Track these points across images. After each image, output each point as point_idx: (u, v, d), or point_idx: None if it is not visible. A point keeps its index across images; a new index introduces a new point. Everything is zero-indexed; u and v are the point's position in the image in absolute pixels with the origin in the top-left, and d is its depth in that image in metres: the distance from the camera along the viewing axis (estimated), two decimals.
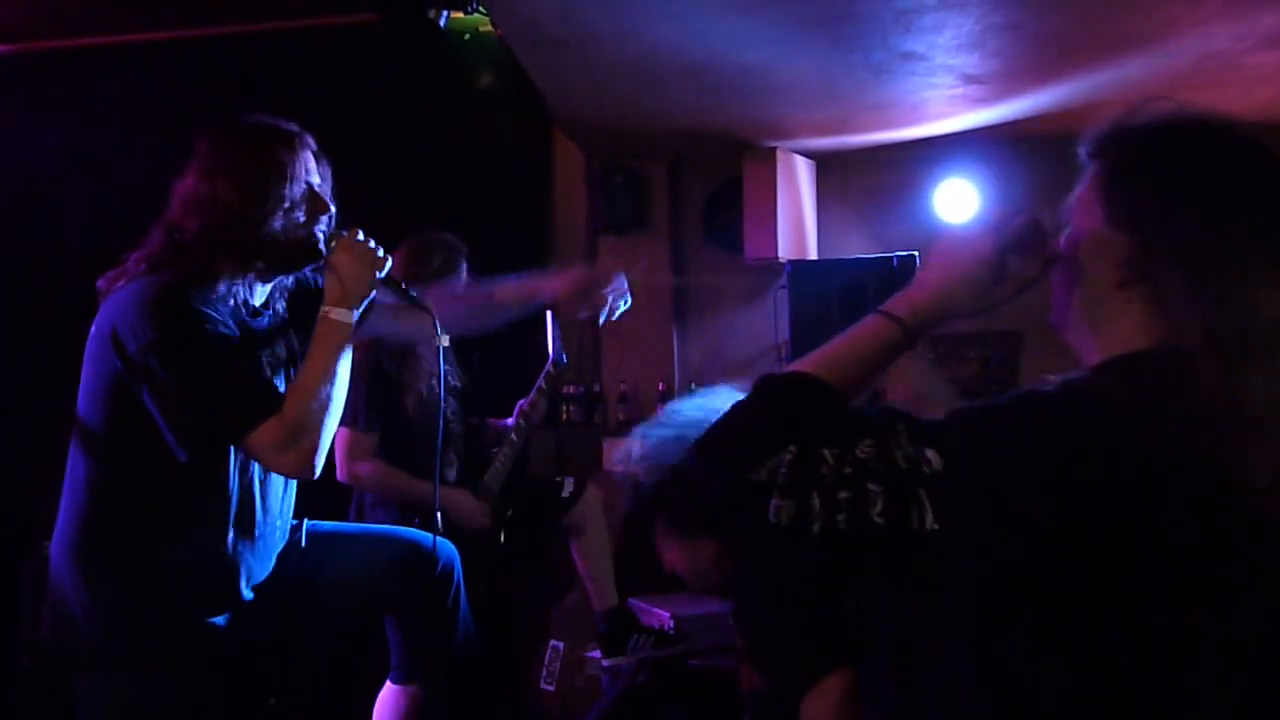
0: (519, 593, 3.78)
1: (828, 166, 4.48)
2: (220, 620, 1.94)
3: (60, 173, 3.72)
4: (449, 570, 2.30)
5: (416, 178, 4.13)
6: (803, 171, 4.38)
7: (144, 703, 1.89)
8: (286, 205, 1.88)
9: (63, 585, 1.90)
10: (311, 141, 1.99)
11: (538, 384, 3.34)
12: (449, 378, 3.22)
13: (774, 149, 4.21)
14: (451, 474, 3.20)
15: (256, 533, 1.98)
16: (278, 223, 1.88)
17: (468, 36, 3.94)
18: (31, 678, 3.47)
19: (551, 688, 3.54)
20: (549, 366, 3.33)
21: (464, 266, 3.29)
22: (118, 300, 1.85)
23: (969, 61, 3.23)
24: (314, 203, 1.94)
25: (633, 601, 3.49)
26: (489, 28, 3.65)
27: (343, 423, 2.99)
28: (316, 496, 2.27)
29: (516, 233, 4.35)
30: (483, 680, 2.63)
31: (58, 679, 1.97)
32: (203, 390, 1.80)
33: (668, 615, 3.35)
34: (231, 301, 1.90)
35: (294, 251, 1.93)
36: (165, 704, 1.89)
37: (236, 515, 1.94)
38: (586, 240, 4.60)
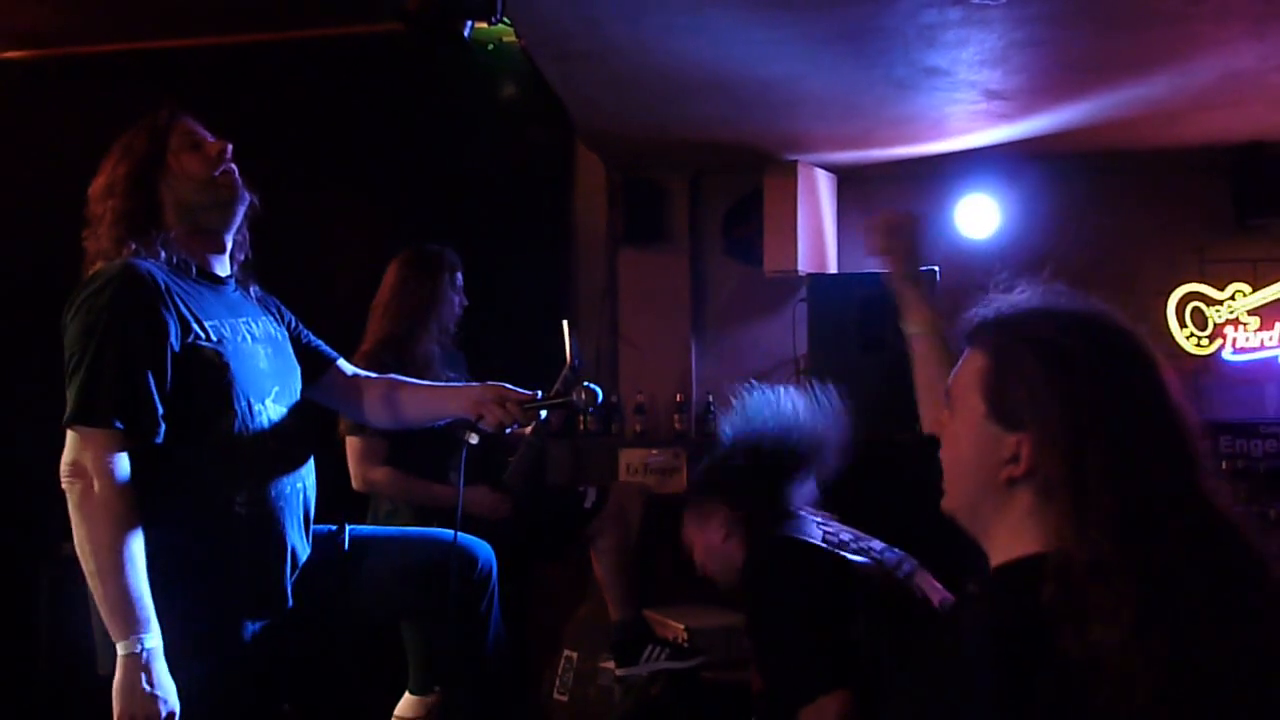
0: (533, 601, 3.78)
1: (849, 180, 4.48)
2: (265, 607, 1.96)
3: (84, 178, 3.76)
4: (486, 574, 2.31)
5: (437, 187, 4.15)
6: (824, 185, 4.37)
7: (191, 701, 1.88)
8: (154, 164, 1.99)
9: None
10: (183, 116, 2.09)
11: (555, 388, 3.36)
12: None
13: (795, 162, 4.21)
14: (457, 479, 3.21)
15: (277, 491, 1.98)
16: (165, 183, 1.99)
17: (491, 47, 3.96)
18: (49, 677, 3.50)
19: (564, 698, 3.54)
20: (566, 371, 3.37)
21: (459, 279, 3.30)
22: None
23: (992, 77, 3.23)
24: (198, 149, 2.03)
25: (648, 612, 3.49)
26: (512, 38, 3.67)
27: (352, 431, 3.04)
28: (329, 509, 2.27)
29: (537, 243, 4.37)
30: (502, 688, 2.63)
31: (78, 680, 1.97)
32: (80, 359, 1.82)
33: (682, 627, 3.35)
34: (192, 270, 1.99)
35: (202, 201, 2.01)
36: (210, 704, 1.89)
37: (252, 475, 1.95)
38: (606, 251, 4.61)
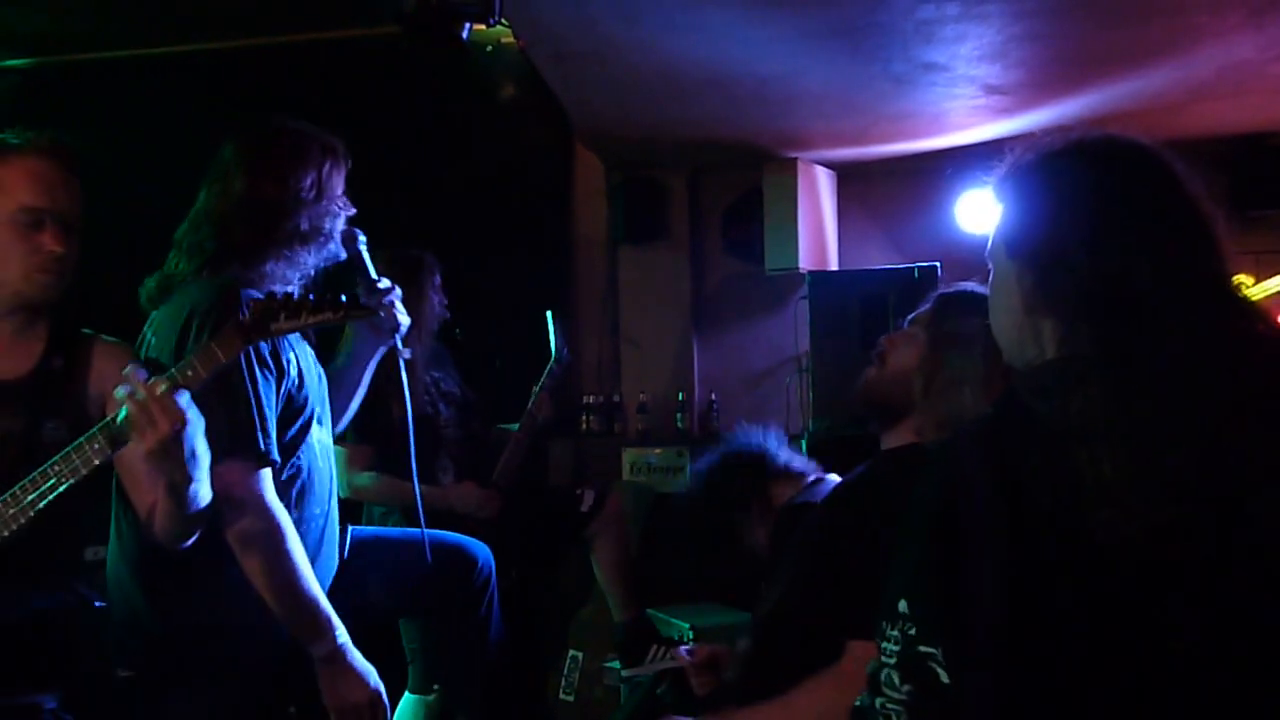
0: (538, 602, 3.78)
1: (849, 177, 4.47)
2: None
3: (88, 184, 3.77)
4: (485, 576, 2.35)
5: (437, 189, 4.15)
6: (823, 182, 4.37)
7: (213, 710, 1.92)
8: (311, 200, 2.00)
9: (127, 598, 1.94)
10: (339, 149, 2.11)
11: (542, 381, 3.39)
12: (442, 384, 3.25)
13: (794, 159, 4.21)
14: (446, 479, 3.21)
15: (313, 513, 2.04)
16: (305, 216, 1.99)
17: (489, 48, 3.95)
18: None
19: (570, 698, 3.54)
20: (552, 363, 3.40)
21: (437, 281, 3.28)
22: (187, 295, 1.91)
23: (991, 72, 3.22)
24: (333, 203, 2.07)
25: (652, 612, 3.49)
26: (511, 40, 3.67)
27: (336, 439, 3.06)
28: None
29: (537, 243, 4.37)
30: (503, 689, 2.63)
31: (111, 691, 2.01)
32: (227, 400, 1.81)
33: (688, 626, 3.35)
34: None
35: (324, 242, 2.04)
36: (232, 710, 1.93)
37: (296, 497, 1.99)
38: (606, 251, 4.61)
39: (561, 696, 3.55)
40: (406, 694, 2.97)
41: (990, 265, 1.31)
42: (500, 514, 3.19)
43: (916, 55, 3.06)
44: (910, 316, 1.97)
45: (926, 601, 1.10)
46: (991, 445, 1.13)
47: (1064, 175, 1.22)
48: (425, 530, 2.38)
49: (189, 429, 1.61)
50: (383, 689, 1.91)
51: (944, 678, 1.07)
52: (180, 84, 4.06)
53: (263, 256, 1.95)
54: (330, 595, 2.13)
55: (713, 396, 4.50)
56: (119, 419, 1.64)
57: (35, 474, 1.69)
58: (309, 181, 2.00)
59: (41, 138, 1.87)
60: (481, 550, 2.35)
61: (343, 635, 1.88)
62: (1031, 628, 1.05)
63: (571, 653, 3.58)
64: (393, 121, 4.15)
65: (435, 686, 2.89)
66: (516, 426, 3.39)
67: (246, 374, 1.83)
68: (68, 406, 1.82)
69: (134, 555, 1.92)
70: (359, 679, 1.87)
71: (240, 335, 1.68)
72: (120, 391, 1.60)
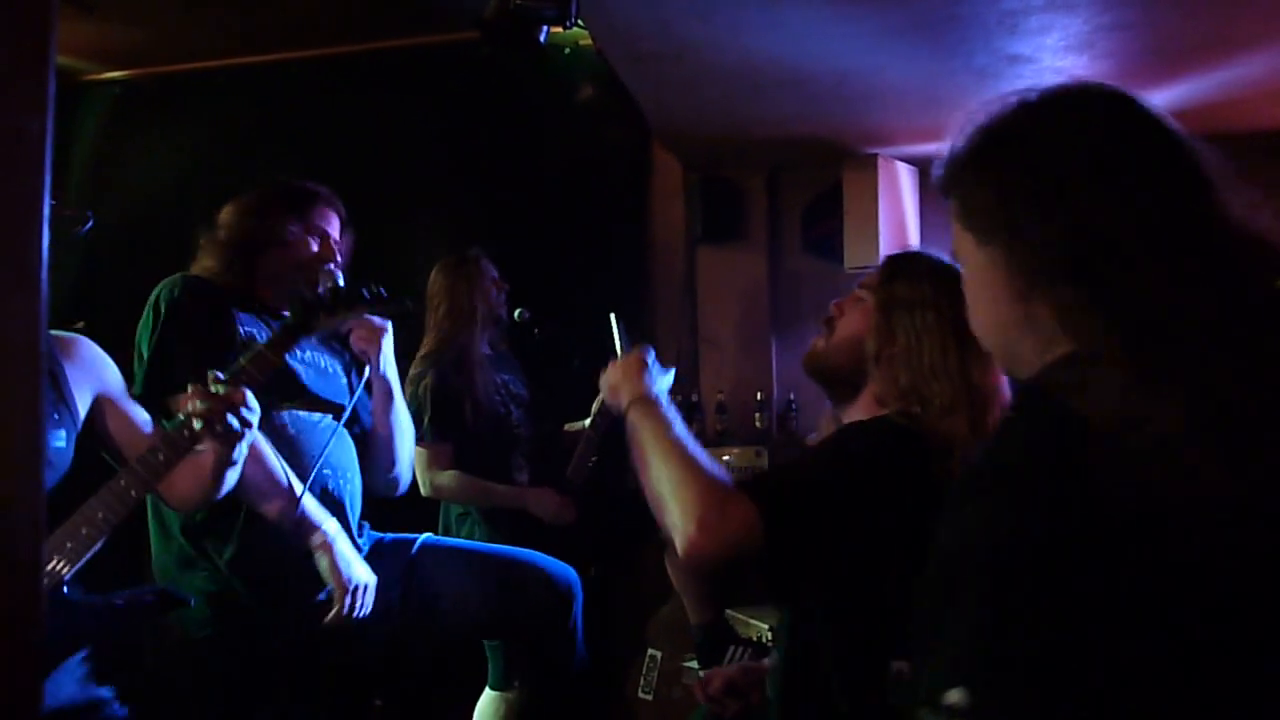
0: (616, 601, 3.80)
1: (930, 173, 4.40)
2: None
3: (180, 192, 3.90)
4: (571, 596, 2.47)
5: (517, 191, 4.20)
6: (904, 178, 4.31)
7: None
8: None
9: (171, 577, 2.16)
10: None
11: None
12: (511, 386, 3.30)
13: (875, 156, 4.16)
14: (522, 478, 3.26)
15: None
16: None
17: (567, 51, 3.99)
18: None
19: (649, 697, 3.54)
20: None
21: (494, 272, 3.34)
22: None
23: (1078, 64, 3.14)
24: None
25: (730, 612, 3.48)
26: (588, 42, 3.69)
27: (415, 440, 3.15)
28: (399, 514, 2.41)
29: (616, 244, 4.38)
30: (581, 688, 2.66)
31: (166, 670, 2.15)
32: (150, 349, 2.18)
33: (766, 627, 3.33)
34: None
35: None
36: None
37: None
38: (685, 251, 4.61)
39: (640, 695, 3.55)
40: (486, 689, 3.01)
41: (961, 267, 1.22)
42: (576, 513, 3.23)
43: (1000, 48, 3.00)
44: (858, 281, 1.89)
45: (1005, 684, 0.87)
46: (1052, 462, 0.94)
47: (1016, 132, 1.15)
48: (516, 550, 2.50)
49: (248, 414, 1.84)
50: (371, 581, 2.19)
51: None
52: (270, 92, 4.17)
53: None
54: (404, 595, 2.32)
55: (791, 396, 4.47)
56: (175, 424, 1.81)
57: (102, 490, 1.79)
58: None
59: None
60: (565, 572, 2.44)
61: (330, 528, 2.17)
62: (1154, 691, 0.86)
63: (650, 652, 3.59)
64: (473, 125, 4.21)
65: (515, 683, 2.93)
66: (588, 423, 3.42)
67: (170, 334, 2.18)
68: (64, 412, 1.88)
69: (177, 550, 2.17)
70: (342, 569, 2.15)
71: (290, 337, 1.99)
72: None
